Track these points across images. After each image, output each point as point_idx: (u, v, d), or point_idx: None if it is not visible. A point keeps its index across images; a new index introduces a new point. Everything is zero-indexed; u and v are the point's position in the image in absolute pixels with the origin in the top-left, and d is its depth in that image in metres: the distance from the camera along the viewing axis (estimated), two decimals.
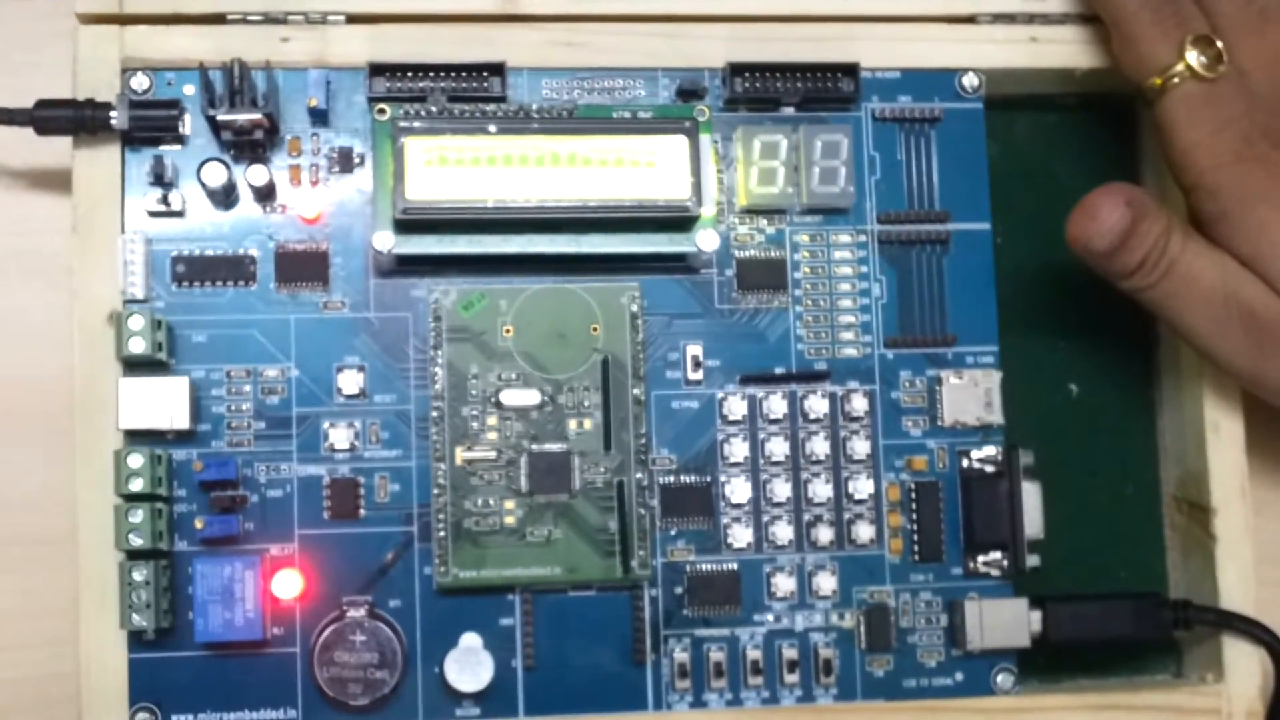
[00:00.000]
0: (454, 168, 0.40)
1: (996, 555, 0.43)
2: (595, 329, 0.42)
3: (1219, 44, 0.41)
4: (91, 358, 0.41)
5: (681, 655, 0.42)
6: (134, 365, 0.41)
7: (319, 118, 0.42)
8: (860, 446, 0.43)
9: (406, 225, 0.41)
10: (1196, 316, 0.41)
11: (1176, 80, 0.41)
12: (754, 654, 0.42)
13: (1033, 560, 0.42)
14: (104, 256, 0.41)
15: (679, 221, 0.42)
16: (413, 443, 0.42)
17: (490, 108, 0.41)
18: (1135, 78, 0.42)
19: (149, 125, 0.41)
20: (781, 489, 0.43)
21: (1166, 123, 0.41)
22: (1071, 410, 0.46)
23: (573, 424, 0.42)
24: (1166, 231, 0.40)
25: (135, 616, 0.40)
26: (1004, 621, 0.42)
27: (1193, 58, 0.41)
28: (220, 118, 0.41)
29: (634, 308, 0.42)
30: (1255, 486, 0.45)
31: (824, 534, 0.43)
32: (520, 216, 0.41)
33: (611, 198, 0.41)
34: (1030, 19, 0.44)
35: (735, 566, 0.43)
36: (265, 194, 0.42)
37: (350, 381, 0.42)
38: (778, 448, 0.43)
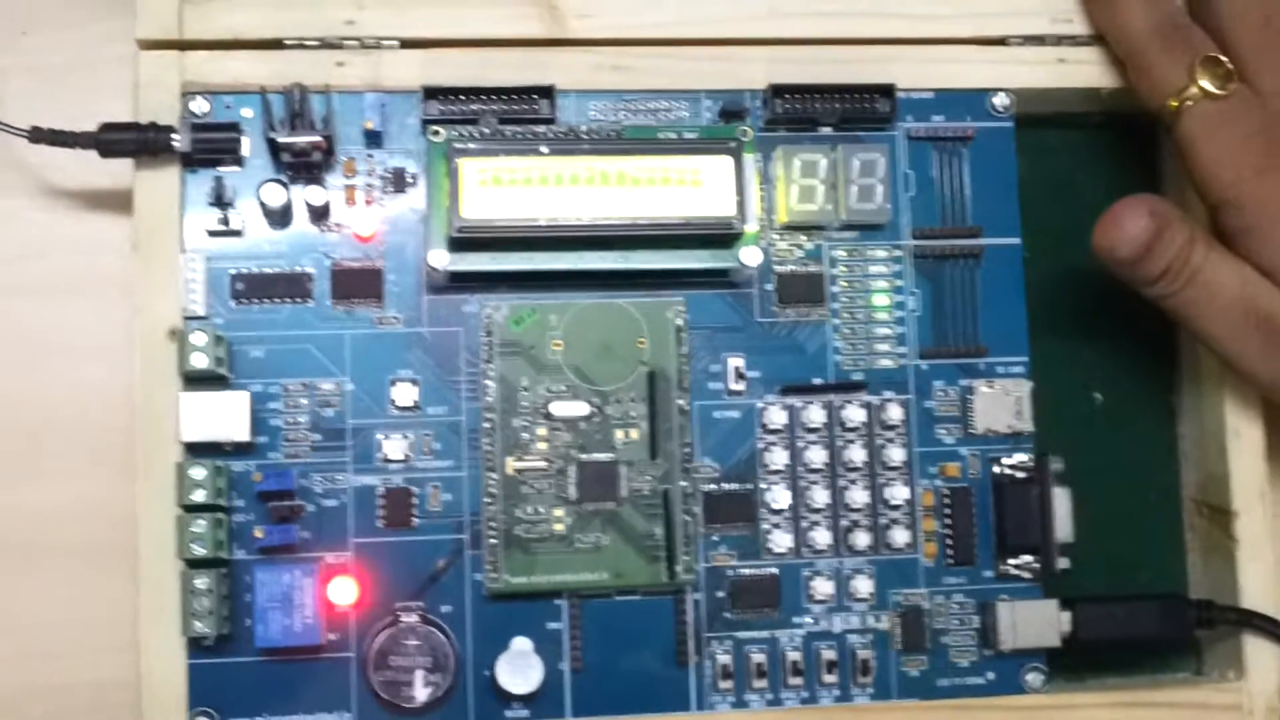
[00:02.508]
0: (507, 187, 0.42)
1: (1028, 558, 0.44)
2: (641, 342, 0.44)
3: (1227, 64, 0.42)
4: (152, 373, 0.42)
5: (724, 657, 0.44)
6: (194, 380, 0.42)
7: (373, 139, 0.44)
8: (896, 454, 0.44)
9: (461, 243, 0.42)
10: (1217, 324, 0.42)
11: (1190, 102, 0.42)
12: (793, 655, 0.44)
13: (1062, 563, 0.44)
14: (165, 274, 0.42)
15: (723, 238, 0.43)
16: (464, 453, 0.43)
17: (540, 129, 0.43)
18: (1152, 104, 0.44)
19: (209, 147, 0.42)
20: (820, 495, 0.44)
21: (1186, 143, 0.43)
22: (1096, 417, 0.48)
23: (620, 434, 0.43)
24: (1190, 242, 0.42)
25: (196, 623, 0.41)
26: (1035, 622, 0.44)
27: (1204, 78, 0.42)
28: (281, 140, 0.42)
29: (678, 322, 0.44)
30: (1275, 490, 0.46)
31: (861, 539, 0.44)
32: (570, 234, 0.42)
33: (658, 216, 0.42)
34: (1058, 41, 0.46)
35: (775, 571, 0.44)
36: (321, 214, 0.43)
37: (404, 394, 0.43)
38: (816, 456, 0.44)
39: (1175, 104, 0.43)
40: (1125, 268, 0.42)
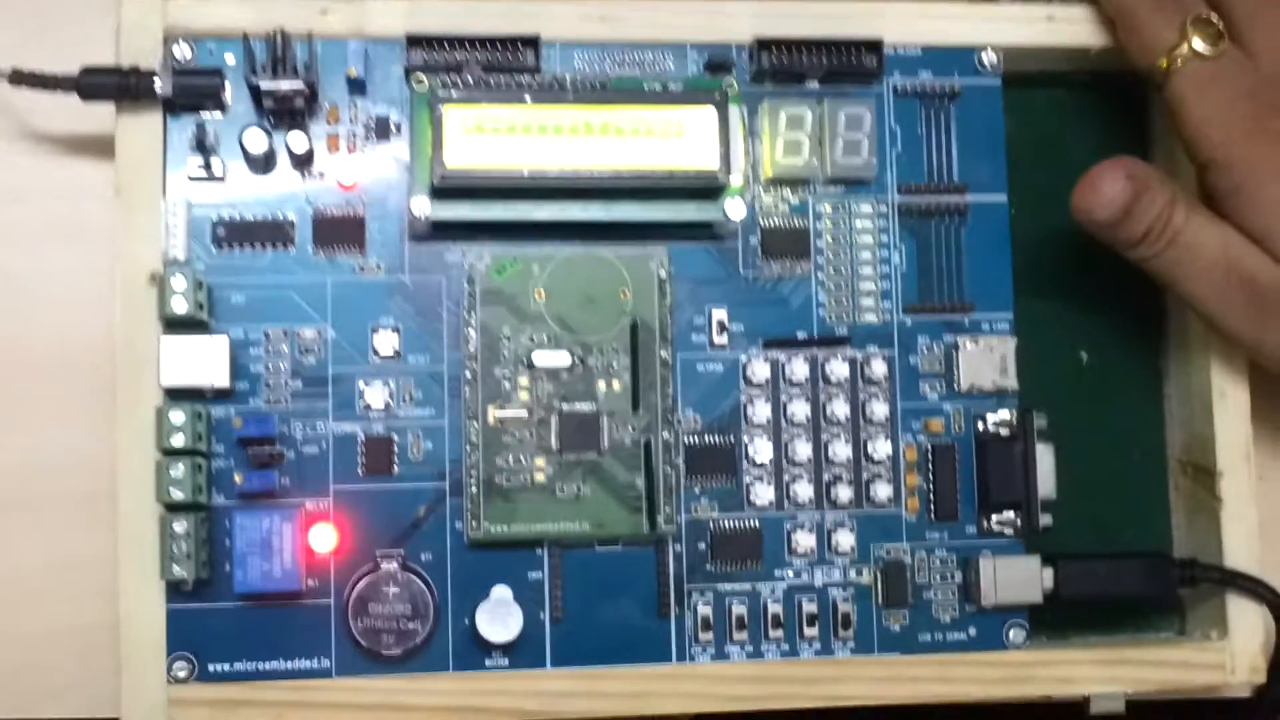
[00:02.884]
0: (490, 136, 0.42)
1: (1010, 515, 0.44)
2: (624, 293, 0.44)
3: (1218, 24, 0.42)
4: (133, 318, 0.42)
5: (704, 609, 0.44)
6: (174, 325, 0.42)
7: (357, 87, 0.43)
8: (879, 409, 0.44)
9: (443, 192, 0.42)
10: (1200, 285, 0.42)
11: (1181, 61, 0.42)
12: (774, 608, 0.44)
13: (1045, 520, 0.44)
14: (146, 220, 0.42)
15: (707, 191, 0.43)
16: (445, 402, 0.43)
17: (525, 79, 0.43)
18: (1142, 63, 0.43)
19: (191, 92, 0.42)
20: (802, 449, 0.44)
21: (1176, 102, 0.43)
22: (1082, 376, 0.47)
23: (602, 385, 0.43)
24: (1170, 203, 0.42)
25: (175, 567, 0.41)
26: (1017, 578, 0.44)
27: (1195, 37, 0.42)
28: (263, 85, 0.42)
29: (662, 273, 0.44)
30: (1259, 451, 0.46)
31: (843, 493, 0.44)
32: (554, 184, 0.42)
33: (642, 167, 0.42)
34: None
35: (757, 523, 0.44)
36: (304, 160, 0.43)
37: (385, 342, 0.43)
38: (799, 410, 0.44)
39: (1165, 63, 0.42)
40: (1105, 230, 0.42)
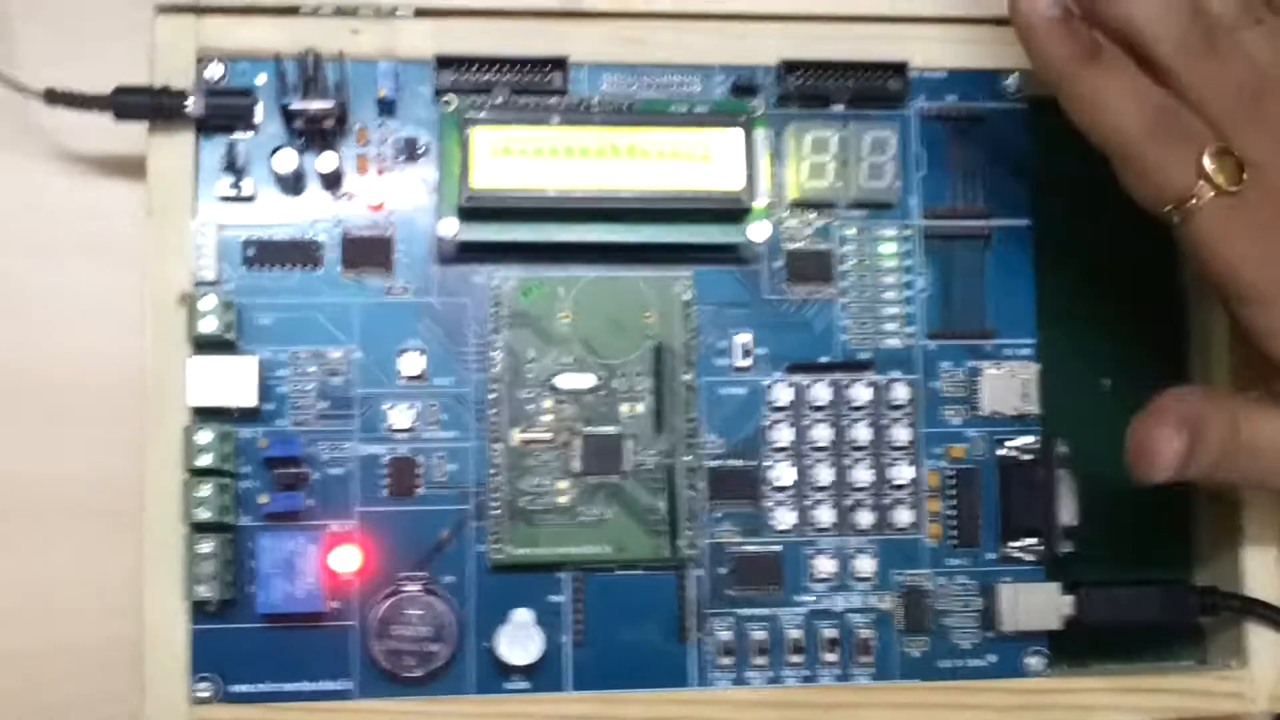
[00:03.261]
0: (518, 158, 0.42)
1: (1031, 541, 0.44)
2: (649, 316, 0.44)
3: (1237, 155, 0.38)
4: (162, 337, 0.42)
5: (724, 634, 0.44)
6: (203, 345, 0.42)
7: (386, 108, 0.44)
8: (901, 434, 0.44)
9: (471, 213, 0.42)
10: (1273, 477, 0.41)
11: (1201, 199, 0.38)
12: (794, 634, 0.44)
13: (1066, 547, 0.44)
14: (176, 239, 0.42)
15: (732, 213, 0.43)
16: (470, 424, 0.43)
17: (553, 100, 0.43)
18: (1155, 206, 0.39)
19: (223, 113, 0.42)
20: (824, 474, 0.44)
21: (1201, 244, 0.39)
22: (1105, 403, 0.47)
23: (625, 408, 0.43)
24: (1233, 428, 0.39)
25: (199, 588, 0.41)
26: (1037, 605, 0.44)
27: (1213, 171, 0.38)
28: (294, 107, 0.42)
29: (686, 296, 0.44)
30: None
31: (864, 518, 0.44)
32: (580, 206, 0.42)
33: (668, 189, 0.42)
34: None
35: (778, 548, 0.44)
36: (333, 181, 0.43)
37: (411, 364, 0.43)
38: (821, 434, 0.44)
39: (1181, 205, 0.39)
40: (1169, 481, 0.40)
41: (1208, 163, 0.38)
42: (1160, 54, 0.39)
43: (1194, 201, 0.38)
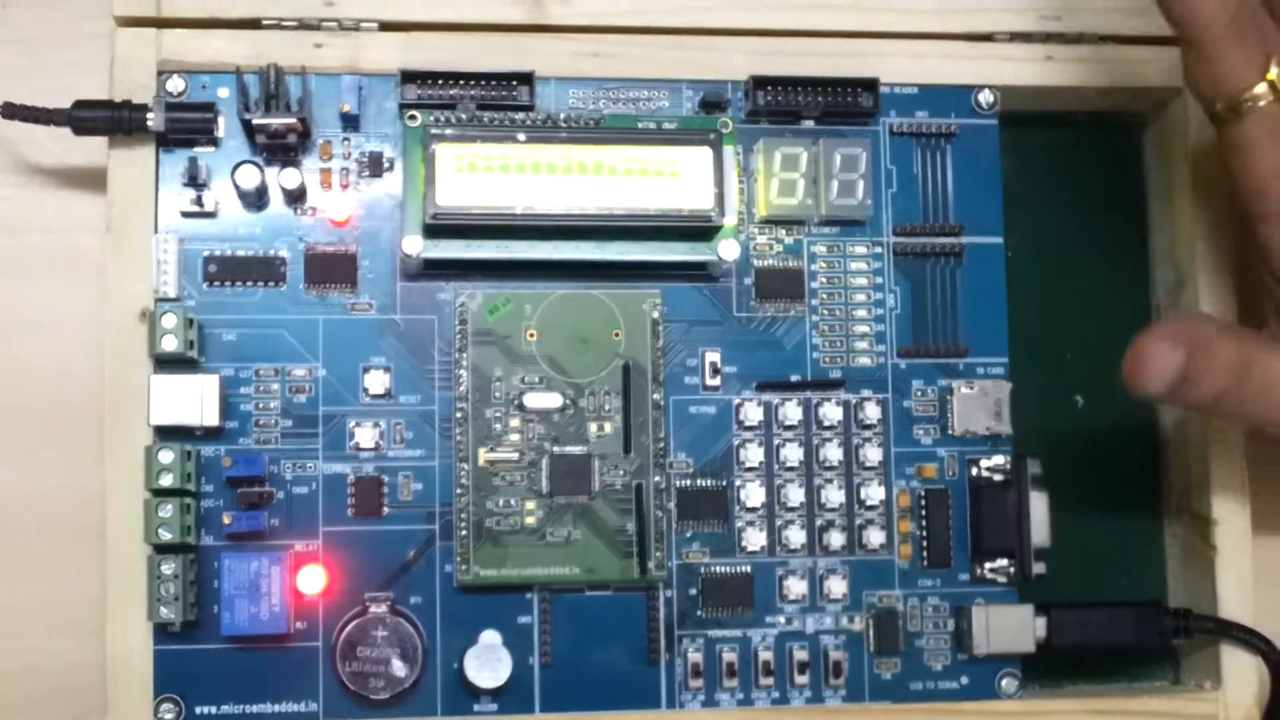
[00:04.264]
0: (483, 174, 0.41)
1: (1003, 562, 0.44)
2: (617, 334, 0.43)
3: None
4: (123, 354, 0.42)
5: (695, 655, 0.43)
6: (165, 362, 0.42)
7: (350, 123, 0.43)
8: (872, 453, 0.44)
9: (436, 230, 0.41)
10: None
11: (1258, 102, 0.39)
12: (765, 655, 0.43)
13: (1038, 568, 0.44)
14: (137, 255, 0.42)
15: (701, 231, 0.42)
16: (436, 443, 0.43)
17: (519, 116, 0.42)
18: (1211, 96, 0.40)
19: (184, 127, 0.42)
20: (795, 494, 0.44)
21: (1243, 146, 0.39)
22: (1077, 422, 0.47)
23: (593, 427, 0.43)
24: (1243, 359, 0.38)
25: (163, 609, 0.40)
26: (1010, 627, 0.43)
27: (1277, 79, 0.38)
28: (255, 121, 0.41)
29: (655, 314, 0.43)
30: (1254, 499, 0.45)
31: (836, 539, 0.44)
32: (547, 223, 0.42)
33: (636, 206, 0.42)
34: (1046, 38, 0.45)
35: (749, 569, 0.44)
36: (296, 197, 0.43)
37: (376, 382, 0.43)
38: (792, 453, 0.44)
39: (1238, 102, 0.39)
40: (1167, 400, 0.39)
41: (1275, 69, 0.38)
42: None
43: (1248, 103, 0.39)
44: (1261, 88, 0.39)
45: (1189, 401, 0.39)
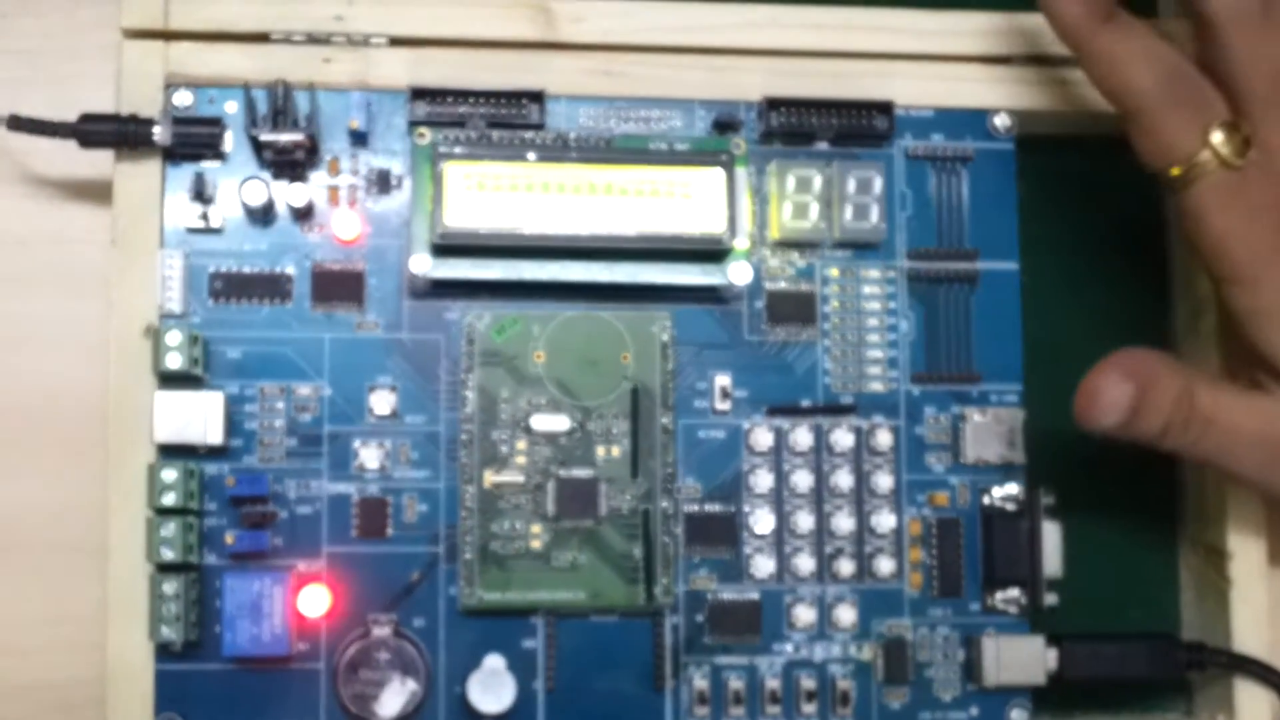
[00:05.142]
0: (492, 194, 0.41)
1: (1015, 593, 0.43)
2: (626, 357, 0.43)
3: (1244, 130, 0.39)
4: (127, 371, 0.41)
5: (701, 683, 0.43)
6: (169, 379, 0.41)
7: (359, 139, 0.43)
8: (883, 481, 0.43)
9: (444, 249, 0.41)
10: (1247, 464, 0.40)
11: (1205, 169, 0.39)
12: (772, 683, 0.43)
13: (1050, 599, 0.43)
14: (142, 270, 0.41)
15: (712, 253, 0.42)
16: (442, 464, 0.42)
17: (529, 135, 0.42)
18: (1157, 167, 0.40)
19: (191, 142, 0.41)
20: (804, 521, 0.43)
21: (1195, 212, 0.40)
22: (1091, 451, 0.46)
23: (601, 450, 0.42)
24: (1186, 392, 0.39)
25: (164, 629, 0.40)
26: (1021, 658, 0.43)
27: (1219, 144, 0.39)
28: (263, 138, 0.41)
29: (664, 337, 0.43)
30: (1270, 532, 0.45)
31: (845, 566, 0.43)
32: (556, 244, 0.41)
33: (646, 228, 0.41)
34: (1063, 61, 0.44)
35: (756, 596, 0.43)
36: (304, 213, 0.42)
37: (382, 402, 0.42)
38: (802, 480, 0.43)
39: (1184, 171, 0.39)
40: (1118, 433, 0.39)
41: (1215, 134, 0.39)
42: (1214, 11, 0.39)
43: (1195, 170, 0.39)
44: (1205, 154, 0.39)
45: (1137, 434, 0.39)
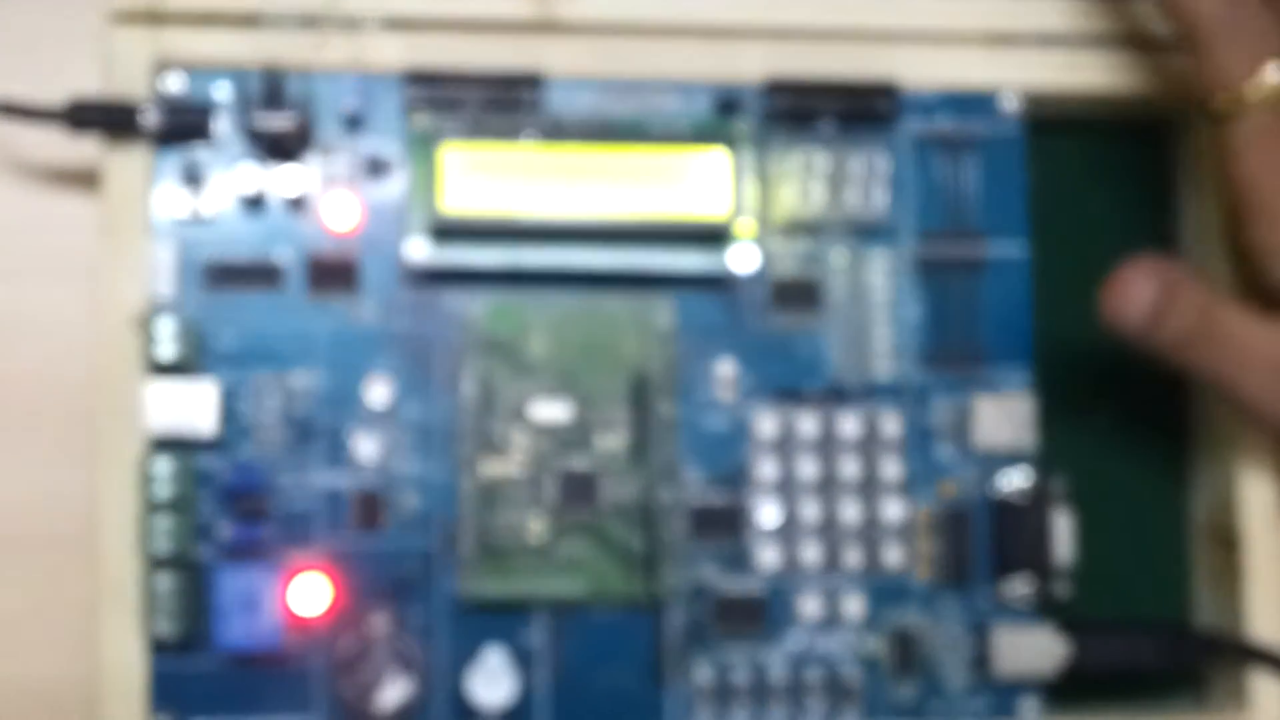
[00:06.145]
0: (490, 178, 0.40)
1: (1025, 582, 0.43)
2: (627, 344, 0.42)
3: None
4: (116, 360, 0.40)
5: (705, 676, 0.42)
6: (160, 370, 0.40)
7: (353, 124, 0.42)
8: (891, 469, 0.43)
9: (440, 235, 0.40)
10: (1259, 390, 0.40)
11: (1248, 103, 0.39)
12: (778, 677, 0.42)
13: (1062, 588, 0.42)
14: (132, 258, 0.41)
15: (715, 238, 0.41)
16: (439, 455, 0.41)
17: (527, 118, 0.41)
18: (1206, 95, 0.40)
19: (181, 127, 0.41)
20: (811, 510, 0.42)
21: (1234, 145, 0.40)
22: (1102, 438, 0.46)
23: (601, 441, 0.42)
24: (1210, 304, 0.39)
25: (157, 624, 0.39)
26: (1031, 649, 0.42)
27: (1271, 78, 0.39)
28: (255, 122, 0.40)
29: (667, 324, 0.42)
30: None
31: (852, 557, 0.42)
32: (555, 229, 0.40)
33: (647, 212, 0.41)
34: (1073, 41, 0.44)
35: (762, 588, 0.42)
36: (297, 200, 0.42)
37: (378, 392, 0.41)
38: (808, 469, 0.42)
39: (1234, 100, 0.39)
40: (1141, 335, 0.40)
41: (1270, 69, 0.39)
42: None
43: (1241, 102, 0.39)
44: (1260, 88, 0.39)
45: (1159, 338, 0.40)
